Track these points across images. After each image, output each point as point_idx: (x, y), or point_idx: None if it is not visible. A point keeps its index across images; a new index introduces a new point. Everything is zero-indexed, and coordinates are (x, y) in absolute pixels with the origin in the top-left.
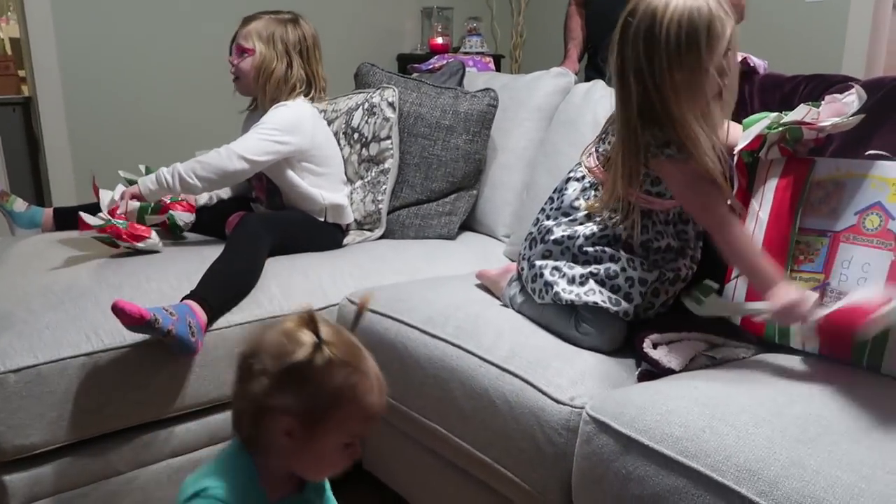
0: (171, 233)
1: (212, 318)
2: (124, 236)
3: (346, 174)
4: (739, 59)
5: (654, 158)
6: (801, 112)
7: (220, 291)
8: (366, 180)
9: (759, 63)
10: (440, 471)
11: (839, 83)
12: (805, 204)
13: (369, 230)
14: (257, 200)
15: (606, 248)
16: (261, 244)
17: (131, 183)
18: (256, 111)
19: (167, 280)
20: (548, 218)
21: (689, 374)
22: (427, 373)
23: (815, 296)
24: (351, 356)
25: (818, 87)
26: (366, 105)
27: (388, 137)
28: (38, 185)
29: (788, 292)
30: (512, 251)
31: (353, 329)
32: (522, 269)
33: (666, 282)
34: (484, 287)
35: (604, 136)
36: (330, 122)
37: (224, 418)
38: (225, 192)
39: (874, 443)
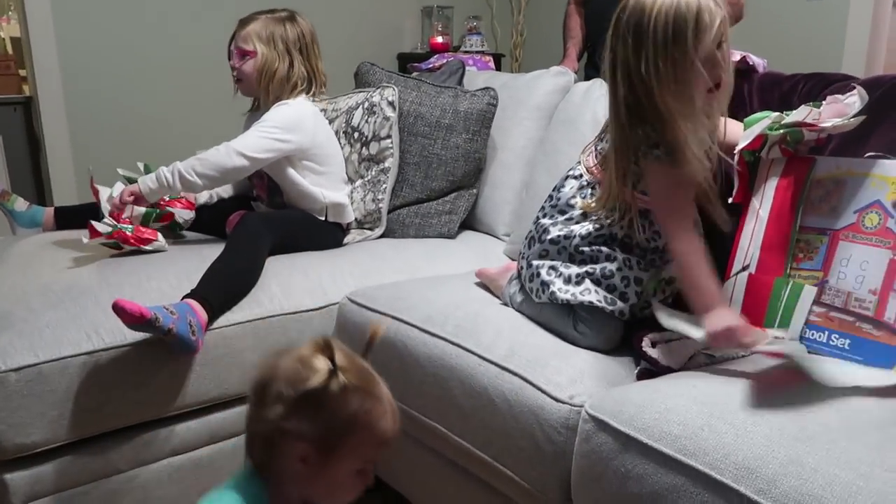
0: (171, 230)
1: (212, 316)
2: (132, 240)
3: (346, 173)
4: (738, 57)
5: (644, 158)
6: (802, 113)
7: (220, 290)
8: (366, 179)
9: (758, 62)
10: (440, 469)
11: (838, 82)
12: (805, 202)
13: (369, 229)
14: (258, 199)
15: (603, 248)
16: (261, 243)
17: (131, 181)
18: (258, 111)
19: (167, 279)
20: (544, 216)
21: (687, 372)
22: (426, 371)
23: (749, 327)
24: (365, 382)
25: (817, 85)
26: (366, 104)
27: (389, 136)
28: (38, 185)
29: (725, 317)
30: (512, 250)
31: (366, 356)
32: (521, 267)
33: (663, 281)
34: (483, 286)
35: (603, 134)
36: (330, 122)
37: (224, 417)
38: (225, 192)
39: (872, 441)
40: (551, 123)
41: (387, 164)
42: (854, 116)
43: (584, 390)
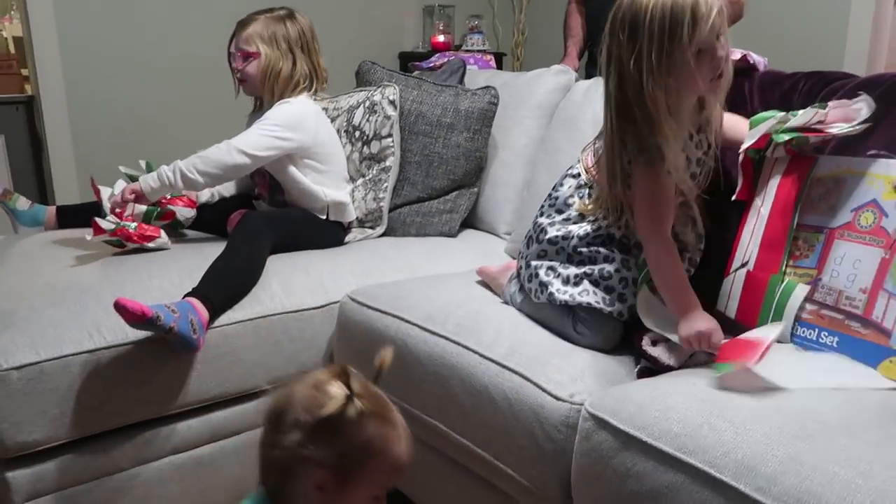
0: (172, 229)
1: (213, 315)
2: (135, 238)
3: (347, 172)
4: (739, 55)
5: (632, 160)
6: (808, 115)
7: (221, 289)
8: (367, 178)
9: (759, 60)
10: (441, 467)
11: (839, 80)
12: (805, 200)
13: (371, 228)
14: (259, 197)
15: (601, 249)
16: (262, 242)
17: (132, 179)
18: (261, 111)
19: (169, 277)
20: (542, 215)
21: (687, 370)
22: (427, 370)
23: (720, 332)
24: (380, 408)
25: (818, 84)
26: (367, 103)
27: (390, 135)
28: (41, 184)
29: (697, 321)
30: (513, 249)
31: (376, 383)
32: (520, 267)
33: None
34: (484, 284)
35: (601, 134)
36: (331, 120)
37: (225, 415)
38: (227, 190)
39: (872, 439)
40: (552, 122)
41: (388, 163)
42: (860, 123)
43: (584, 388)
